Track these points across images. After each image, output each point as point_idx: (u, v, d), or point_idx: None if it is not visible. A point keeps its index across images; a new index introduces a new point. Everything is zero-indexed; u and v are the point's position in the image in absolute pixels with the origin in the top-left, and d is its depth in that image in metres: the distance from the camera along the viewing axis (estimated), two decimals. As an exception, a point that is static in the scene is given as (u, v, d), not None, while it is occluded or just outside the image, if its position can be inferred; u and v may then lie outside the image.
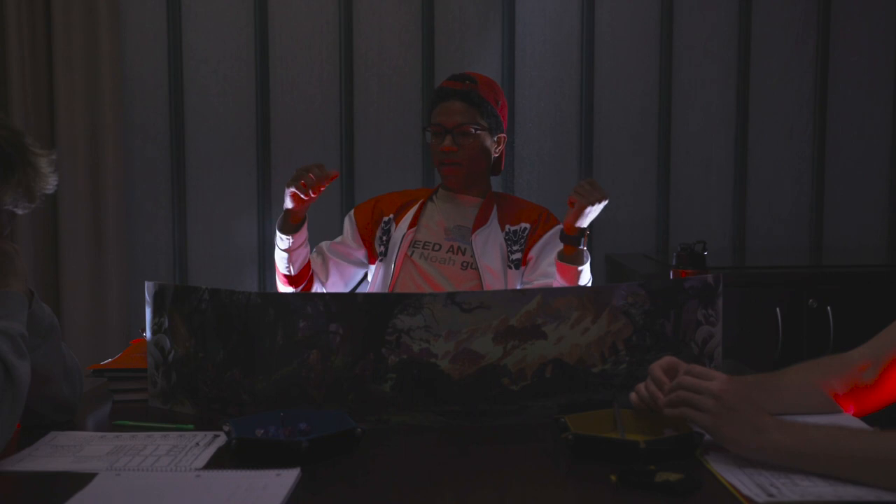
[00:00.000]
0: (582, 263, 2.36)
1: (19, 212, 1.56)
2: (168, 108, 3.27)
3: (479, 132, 2.49)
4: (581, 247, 2.36)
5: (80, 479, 1.35)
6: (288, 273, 2.52)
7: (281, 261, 2.51)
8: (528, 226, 2.54)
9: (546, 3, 3.29)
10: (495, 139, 2.55)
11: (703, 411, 1.38)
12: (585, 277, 2.39)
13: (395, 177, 3.22)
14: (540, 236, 2.53)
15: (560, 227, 2.46)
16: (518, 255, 2.52)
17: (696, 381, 1.41)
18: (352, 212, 2.67)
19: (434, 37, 3.28)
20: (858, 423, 1.50)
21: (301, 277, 2.53)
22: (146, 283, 1.83)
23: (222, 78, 3.27)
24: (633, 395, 1.52)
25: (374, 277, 2.59)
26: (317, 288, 2.58)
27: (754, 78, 3.34)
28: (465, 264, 2.50)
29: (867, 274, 2.91)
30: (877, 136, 3.38)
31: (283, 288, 2.55)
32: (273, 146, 3.29)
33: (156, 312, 1.79)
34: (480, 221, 2.54)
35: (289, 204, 2.41)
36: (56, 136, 3.15)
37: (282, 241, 2.47)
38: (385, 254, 2.57)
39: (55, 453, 1.50)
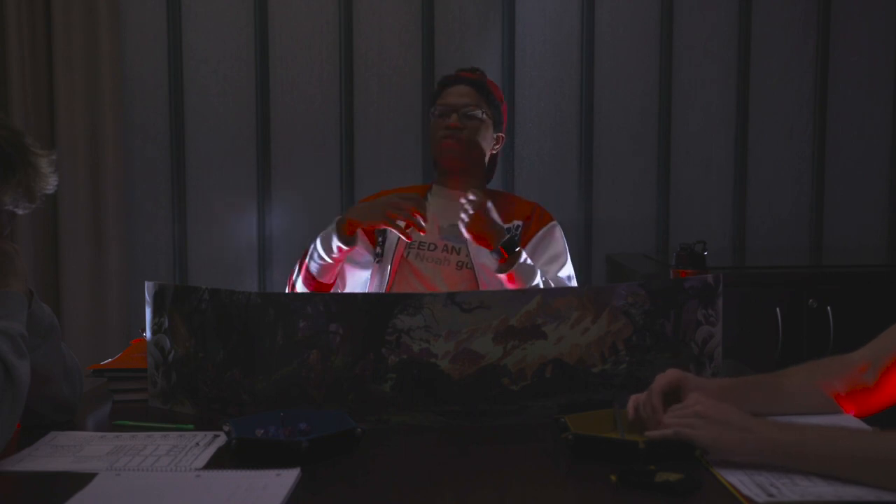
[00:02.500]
0: (526, 274, 2.28)
1: (19, 212, 1.56)
2: (168, 108, 3.27)
3: (484, 117, 2.50)
4: (517, 248, 2.27)
5: (80, 479, 1.36)
6: (322, 282, 2.44)
7: (319, 269, 2.42)
8: (520, 223, 2.50)
9: (546, 3, 3.29)
10: (495, 136, 2.55)
11: (695, 429, 1.39)
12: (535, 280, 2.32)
13: (395, 177, 3.21)
14: (534, 234, 2.49)
15: (553, 223, 2.50)
16: None
17: (682, 412, 1.43)
18: None
19: (434, 37, 3.27)
20: (859, 424, 1.50)
21: (329, 287, 2.48)
22: (146, 283, 1.83)
23: (222, 78, 3.27)
24: (630, 406, 1.53)
25: (371, 280, 2.57)
26: None
27: (754, 78, 3.34)
28: (460, 264, 2.46)
29: (867, 274, 2.91)
30: (877, 136, 3.38)
31: (301, 289, 2.49)
32: (273, 146, 3.29)
33: (156, 312, 1.79)
34: None
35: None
36: (56, 136, 3.15)
37: (333, 252, 2.37)
38: (381, 255, 2.54)
39: (55, 453, 1.50)
